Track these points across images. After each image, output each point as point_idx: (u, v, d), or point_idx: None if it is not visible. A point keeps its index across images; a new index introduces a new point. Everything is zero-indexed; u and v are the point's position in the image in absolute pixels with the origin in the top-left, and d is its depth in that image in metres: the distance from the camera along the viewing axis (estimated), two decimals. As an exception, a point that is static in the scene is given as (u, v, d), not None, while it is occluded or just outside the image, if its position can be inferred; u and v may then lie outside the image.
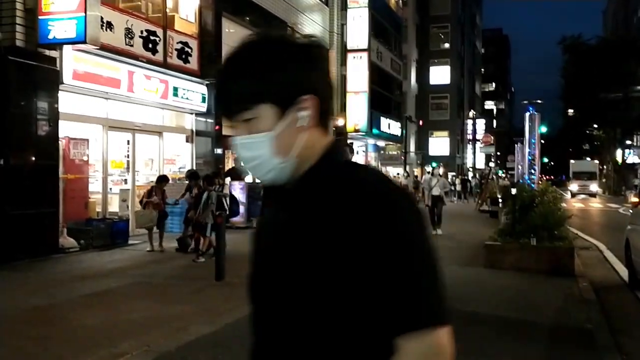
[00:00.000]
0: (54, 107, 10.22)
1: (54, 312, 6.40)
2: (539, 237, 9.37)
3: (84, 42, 9.81)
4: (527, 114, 11.25)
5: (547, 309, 6.87)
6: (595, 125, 52.72)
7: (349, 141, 27.04)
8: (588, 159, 55.91)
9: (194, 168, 13.80)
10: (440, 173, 16.02)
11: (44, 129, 10.06)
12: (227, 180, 17.27)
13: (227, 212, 10.25)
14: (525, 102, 13.49)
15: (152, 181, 12.63)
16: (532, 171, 11.23)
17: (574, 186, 45.12)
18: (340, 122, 25.07)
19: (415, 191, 23.17)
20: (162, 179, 11.29)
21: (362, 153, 31.21)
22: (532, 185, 10.93)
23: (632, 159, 48.99)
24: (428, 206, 15.02)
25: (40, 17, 9.81)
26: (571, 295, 7.61)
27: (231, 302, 6.88)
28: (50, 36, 9.82)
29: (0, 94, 9.23)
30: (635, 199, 9.15)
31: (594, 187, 45.04)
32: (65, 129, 10.90)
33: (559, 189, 13.11)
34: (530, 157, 11.28)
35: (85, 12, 9.64)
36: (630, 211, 9.12)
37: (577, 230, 15.45)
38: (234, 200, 11.02)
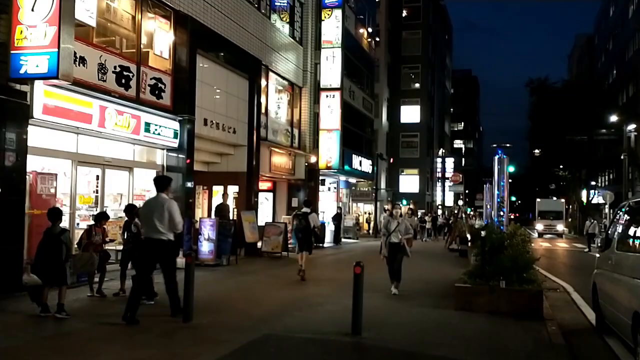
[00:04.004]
0: (23, 141, 10.04)
1: (17, 355, 6.19)
2: (509, 280, 9.44)
3: (56, 77, 9.71)
4: (496, 157, 11.40)
5: (517, 354, 6.88)
6: (561, 166, 53.85)
7: (321, 178, 27.12)
8: (554, 198, 56.59)
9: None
10: (403, 213, 11.85)
11: (11, 161, 9.88)
12: (197, 216, 17.18)
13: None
14: (494, 145, 13.54)
15: (120, 217, 12.43)
16: (501, 213, 11.34)
17: (540, 225, 44.90)
18: (312, 159, 25.15)
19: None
20: (102, 217, 10.38)
21: (333, 189, 31.27)
22: (502, 227, 11.04)
23: (597, 199, 49.88)
24: (386, 257, 11.28)
25: (12, 52, 9.71)
26: (540, 339, 7.65)
27: (201, 346, 6.74)
28: (22, 71, 9.72)
29: (-33, 127, 9.05)
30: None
31: (560, 226, 44.91)
32: (34, 163, 10.71)
33: (526, 228, 13.19)
34: (499, 199, 11.40)
35: (59, 48, 9.58)
36: (597, 255, 9.26)
37: (544, 270, 15.63)
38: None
